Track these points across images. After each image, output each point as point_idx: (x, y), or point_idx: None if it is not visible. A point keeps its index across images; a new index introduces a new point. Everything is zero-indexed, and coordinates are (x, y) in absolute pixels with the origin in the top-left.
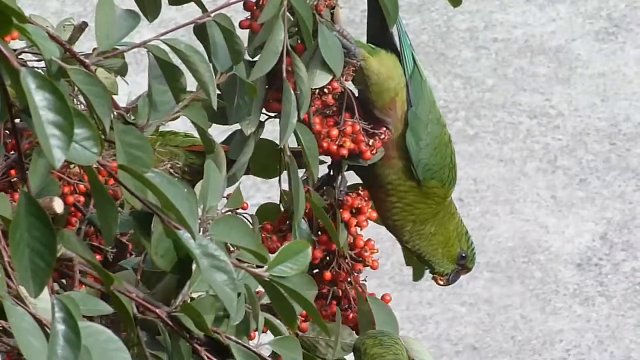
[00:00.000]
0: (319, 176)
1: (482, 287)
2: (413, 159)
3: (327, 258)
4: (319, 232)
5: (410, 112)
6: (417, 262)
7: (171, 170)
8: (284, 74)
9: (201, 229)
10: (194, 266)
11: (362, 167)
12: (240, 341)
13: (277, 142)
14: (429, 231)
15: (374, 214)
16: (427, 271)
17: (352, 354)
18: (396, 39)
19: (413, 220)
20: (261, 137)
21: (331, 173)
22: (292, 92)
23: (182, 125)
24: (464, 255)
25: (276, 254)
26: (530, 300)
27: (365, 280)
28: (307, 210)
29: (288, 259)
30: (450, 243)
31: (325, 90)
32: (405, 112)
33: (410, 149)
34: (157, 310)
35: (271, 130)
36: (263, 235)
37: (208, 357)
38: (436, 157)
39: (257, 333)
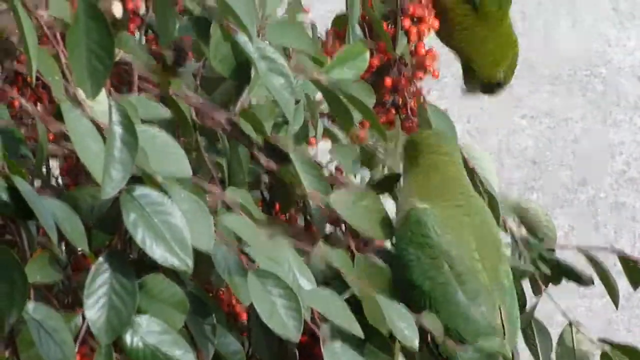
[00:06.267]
0: None
1: (543, 100)
2: None
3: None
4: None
5: None
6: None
7: None
8: None
9: (260, 34)
10: (252, 73)
11: None
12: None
13: None
14: (480, 35)
15: (436, 24)
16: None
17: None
18: None
19: (472, 37)
20: None
21: None
22: None
23: None
24: (500, 83)
25: (334, 57)
26: (592, 112)
27: (427, 93)
28: (367, 17)
29: (346, 62)
30: (496, 61)
31: None
32: None
33: None
34: (216, 114)
35: None
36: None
37: (267, 162)
38: None
39: (316, 140)
